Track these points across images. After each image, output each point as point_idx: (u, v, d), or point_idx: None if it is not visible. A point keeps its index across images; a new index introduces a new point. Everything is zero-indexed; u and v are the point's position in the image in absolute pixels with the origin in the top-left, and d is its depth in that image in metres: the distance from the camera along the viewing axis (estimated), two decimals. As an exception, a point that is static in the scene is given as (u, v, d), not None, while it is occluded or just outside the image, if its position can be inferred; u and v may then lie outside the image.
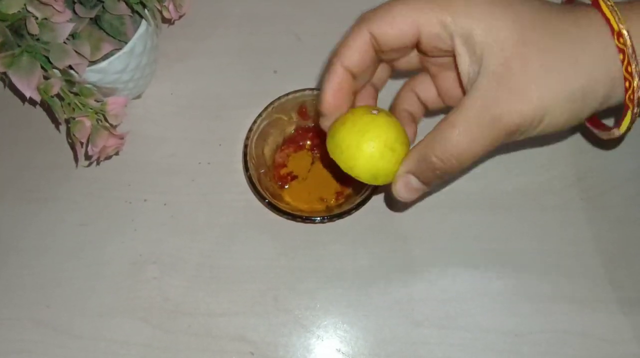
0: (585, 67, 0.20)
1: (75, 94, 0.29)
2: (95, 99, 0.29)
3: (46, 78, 0.28)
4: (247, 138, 0.31)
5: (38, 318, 0.32)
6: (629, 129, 0.22)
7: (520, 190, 0.33)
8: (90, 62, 0.30)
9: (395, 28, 0.22)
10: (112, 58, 0.31)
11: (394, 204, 0.33)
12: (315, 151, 0.34)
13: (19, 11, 0.26)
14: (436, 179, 0.23)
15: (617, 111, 0.22)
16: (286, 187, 0.34)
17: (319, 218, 0.30)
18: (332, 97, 0.24)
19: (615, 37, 0.20)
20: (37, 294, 0.32)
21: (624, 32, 0.20)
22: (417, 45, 0.23)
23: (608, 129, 0.24)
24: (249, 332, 0.31)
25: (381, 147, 0.23)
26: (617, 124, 0.23)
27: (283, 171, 0.34)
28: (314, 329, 0.31)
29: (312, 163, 0.34)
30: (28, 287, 0.33)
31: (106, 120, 0.30)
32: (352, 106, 0.25)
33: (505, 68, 0.20)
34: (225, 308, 0.31)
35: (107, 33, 0.31)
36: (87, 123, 0.29)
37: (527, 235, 0.32)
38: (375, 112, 0.24)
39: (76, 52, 0.28)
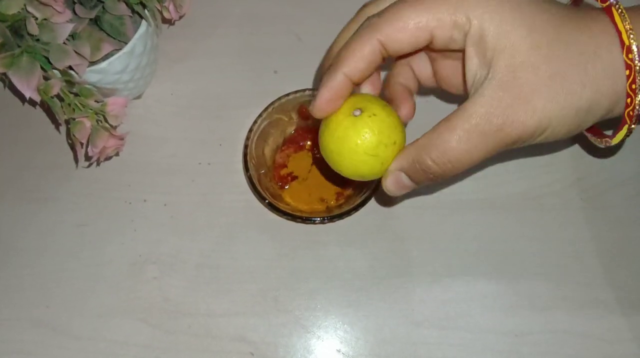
0: (593, 80, 0.20)
1: (75, 95, 0.29)
2: (95, 99, 0.29)
3: (46, 78, 0.28)
4: (247, 138, 0.31)
5: (37, 318, 0.32)
6: (622, 141, 0.22)
7: (520, 191, 0.33)
8: (90, 62, 0.30)
9: (407, 34, 0.21)
10: (112, 58, 0.31)
11: (382, 197, 0.33)
12: (316, 151, 0.34)
13: (18, 12, 0.26)
14: (428, 181, 0.22)
15: (613, 120, 0.22)
16: (286, 187, 0.34)
17: (319, 219, 0.30)
18: (326, 104, 0.23)
19: (625, 51, 0.20)
20: (36, 294, 0.32)
21: (634, 48, 0.19)
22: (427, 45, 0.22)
23: (603, 136, 0.24)
24: (249, 332, 0.31)
25: (361, 155, 0.22)
26: (612, 134, 0.23)
27: (283, 171, 0.34)
28: (314, 329, 0.31)
29: (313, 163, 0.34)
30: (27, 287, 0.33)
31: (106, 120, 0.30)
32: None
33: (513, 76, 0.20)
34: (226, 309, 0.31)
35: (107, 33, 0.31)
36: (87, 124, 0.29)
37: (526, 236, 0.32)
38: (357, 112, 0.23)
39: (76, 52, 0.28)
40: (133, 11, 0.31)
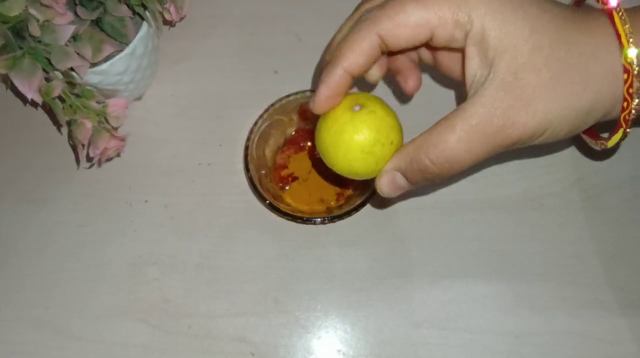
0: (594, 81, 0.20)
1: (77, 96, 0.29)
2: (97, 100, 0.29)
3: (47, 80, 0.28)
4: (248, 139, 0.31)
5: (37, 319, 0.32)
6: (617, 145, 0.22)
7: (520, 191, 0.34)
8: (91, 64, 0.30)
9: (407, 30, 0.21)
10: (113, 60, 0.31)
11: (376, 199, 0.33)
12: (315, 152, 0.34)
13: (20, 13, 0.26)
14: (424, 181, 0.22)
15: (610, 123, 0.22)
16: (287, 188, 0.34)
17: (319, 220, 0.30)
18: (325, 100, 0.23)
19: (623, 55, 0.20)
20: (36, 295, 0.32)
21: (632, 52, 0.19)
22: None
23: (599, 138, 0.24)
24: (249, 333, 0.31)
25: (357, 151, 0.22)
26: (608, 137, 0.23)
27: (284, 172, 0.34)
28: (315, 330, 0.31)
29: (313, 164, 0.34)
30: (27, 288, 0.33)
31: (107, 122, 0.30)
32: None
33: (514, 77, 0.20)
34: (226, 309, 0.31)
35: (108, 35, 0.31)
36: (89, 125, 0.29)
37: (527, 236, 0.32)
38: (357, 108, 0.23)
39: (77, 54, 0.28)
40: (134, 12, 0.31)
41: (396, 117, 0.23)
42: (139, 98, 0.38)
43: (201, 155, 0.36)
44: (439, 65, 0.26)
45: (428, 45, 0.23)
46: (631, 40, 0.20)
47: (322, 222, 0.30)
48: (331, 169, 0.24)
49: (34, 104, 0.37)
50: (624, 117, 0.21)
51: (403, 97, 0.36)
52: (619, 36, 0.20)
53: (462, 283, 0.31)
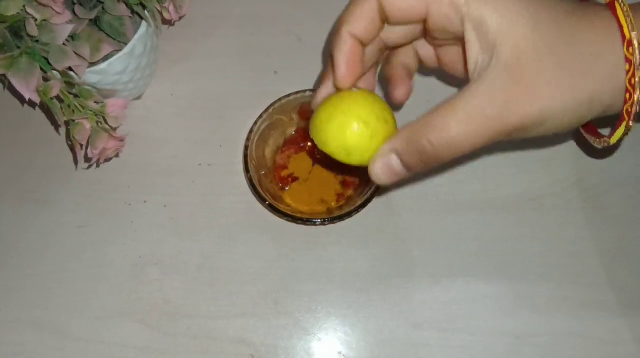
0: (596, 74, 0.20)
1: (75, 96, 0.29)
2: (95, 100, 0.29)
3: (46, 80, 0.28)
4: (247, 139, 0.31)
5: (37, 319, 0.32)
6: (620, 140, 0.22)
7: (521, 191, 0.33)
8: (90, 63, 0.30)
9: (403, 1, 0.21)
10: (112, 59, 0.31)
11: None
12: (317, 153, 0.34)
13: (18, 13, 0.26)
14: (420, 165, 0.21)
15: (612, 121, 0.22)
16: (287, 188, 0.33)
17: (319, 221, 0.29)
18: (347, 67, 0.22)
19: (625, 45, 0.20)
20: (36, 295, 0.32)
21: (635, 42, 0.19)
22: (424, 24, 0.22)
23: (601, 136, 0.24)
24: (249, 334, 0.31)
25: (352, 119, 0.21)
26: (610, 133, 0.22)
27: (284, 173, 0.34)
28: (315, 331, 0.31)
29: (313, 165, 0.34)
30: (28, 288, 0.33)
31: (106, 122, 0.29)
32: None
33: (517, 63, 0.19)
34: (226, 311, 0.31)
35: (107, 34, 0.31)
36: (87, 125, 0.29)
37: (527, 236, 0.32)
38: (355, 89, 0.23)
39: (76, 53, 0.28)
40: (133, 12, 0.31)
41: (392, 113, 0.23)
42: (139, 98, 0.37)
43: (201, 155, 0.36)
44: (442, 63, 0.26)
45: (428, 34, 0.22)
46: (634, 33, 0.19)
47: (323, 223, 0.30)
48: (323, 149, 0.23)
49: (32, 104, 0.37)
50: (627, 109, 0.20)
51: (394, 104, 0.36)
52: (621, 27, 0.20)
53: (462, 284, 0.31)
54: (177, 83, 0.38)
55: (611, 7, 0.20)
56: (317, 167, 0.34)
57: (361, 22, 0.22)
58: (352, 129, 0.22)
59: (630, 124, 0.21)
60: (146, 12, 0.31)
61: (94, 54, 0.30)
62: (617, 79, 0.20)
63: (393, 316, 0.31)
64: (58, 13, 0.27)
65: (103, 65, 0.31)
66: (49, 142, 0.37)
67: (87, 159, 0.33)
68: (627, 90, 0.20)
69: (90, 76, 0.31)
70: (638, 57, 0.19)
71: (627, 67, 0.20)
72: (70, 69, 0.29)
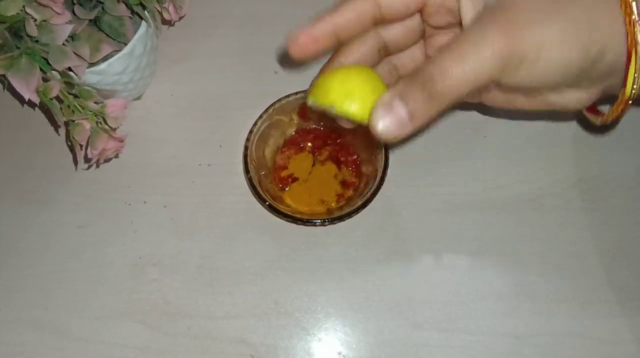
0: (592, 13, 0.20)
1: (75, 96, 0.28)
2: (95, 101, 0.29)
3: (45, 80, 0.28)
4: (247, 139, 0.31)
5: (37, 319, 0.32)
6: (620, 116, 0.22)
7: (521, 192, 0.33)
8: (89, 63, 0.30)
9: None
10: (111, 59, 0.31)
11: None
12: (317, 153, 0.34)
13: (17, 13, 0.26)
14: (424, 106, 0.20)
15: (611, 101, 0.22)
16: (287, 189, 0.33)
17: (319, 221, 0.29)
18: (304, 36, 0.22)
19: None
20: (36, 295, 0.32)
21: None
22: (421, 12, 0.22)
23: (599, 113, 0.24)
24: (249, 334, 0.31)
25: (354, 73, 0.22)
26: (622, 85, 0.22)
27: (284, 173, 0.34)
28: (315, 332, 0.31)
29: (313, 165, 0.34)
30: (28, 288, 0.33)
31: (106, 122, 0.29)
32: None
33: (512, 1, 0.20)
34: (225, 311, 0.31)
35: (106, 34, 0.31)
36: (87, 126, 0.29)
37: (527, 237, 0.32)
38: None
39: (75, 53, 0.28)
40: (133, 12, 0.31)
41: None
42: (138, 98, 0.37)
43: (201, 155, 0.36)
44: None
45: (426, 20, 0.23)
46: None
47: (322, 224, 0.30)
48: (322, 103, 0.22)
49: (31, 104, 0.37)
50: (630, 43, 0.20)
51: None
52: None
53: (462, 284, 0.31)
54: (176, 83, 0.38)
55: None
56: (317, 167, 0.34)
57: (347, 14, 0.22)
58: (354, 78, 0.22)
59: (636, 75, 0.20)
60: (146, 12, 0.31)
61: (93, 54, 0.30)
62: (614, 19, 0.20)
63: (393, 316, 0.31)
64: (58, 13, 0.27)
65: (103, 66, 0.31)
66: (49, 142, 0.37)
67: (87, 159, 0.33)
68: (625, 32, 0.20)
69: (90, 76, 0.31)
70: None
71: (624, 7, 0.19)
72: (69, 69, 0.29)
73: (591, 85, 0.22)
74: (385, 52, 0.26)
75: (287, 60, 0.38)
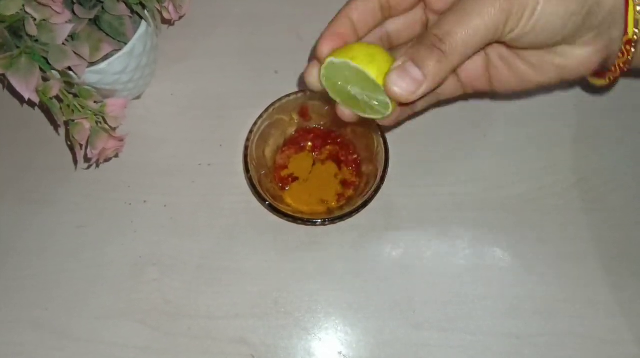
0: None
1: (75, 96, 0.28)
2: (95, 100, 0.29)
3: (45, 79, 0.28)
4: (247, 139, 0.31)
5: (37, 319, 0.32)
6: (617, 78, 0.22)
7: (521, 192, 0.33)
8: (89, 63, 0.30)
9: None
10: (111, 59, 0.31)
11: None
12: (317, 152, 0.34)
13: (17, 12, 0.26)
14: (436, 66, 0.21)
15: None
16: (287, 188, 0.33)
17: (319, 221, 0.29)
18: (329, 36, 0.24)
19: None
20: (36, 295, 0.32)
21: None
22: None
23: (603, 74, 0.24)
24: (249, 334, 0.31)
25: (372, 44, 0.24)
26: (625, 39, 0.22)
27: (284, 173, 0.34)
28: (315, 331, 0.31)
29: (313, 164, 0.34)
30: (27, 288, 0.32)
31: (105, 122, 0.29)
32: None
33: None
34: (225, 311, 0.31)
35: (106, 34, 0.31)
36: (87, 125, 0.29)
37: (527, 237, 0.32)
38: None
39: (75, 53, 0.28)
40: (132, 11, 0.31)
41: None
42: (138, 97, 0.37)
43: (201, 155, 0.36)
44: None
45: (429, 5, 0.24)
46: None
47: (323, 223, 0.30)
48: (344, 57, 0.23)
49: (31, 103, 0.37)
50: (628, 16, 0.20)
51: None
52: None
53: (462, 284, 0.31)
54: (176, 82, 0.38)
55: None
56: (318, 166, 0.34)
57: (361, 5, 0.24)
58: (374, 47, 0.23)
59: (636, 30, 0.21)
60: (146, 11, 0.31)
61: (93, 54, 0.29)
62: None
63: (393, 316, 0.31)
64: (57, 13, 0.27)
65: (102, 65, 0.31)
66: (49, 142, 0.37)
67: (87, 159, 0.33)
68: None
69: (90, 76, 0.31)
70: None
71: None
72: (69, 68, 0.28)
73: (595, 38, 0.22)
74: (389, 42, 0.27)
75: (287, 60, 0.38)
